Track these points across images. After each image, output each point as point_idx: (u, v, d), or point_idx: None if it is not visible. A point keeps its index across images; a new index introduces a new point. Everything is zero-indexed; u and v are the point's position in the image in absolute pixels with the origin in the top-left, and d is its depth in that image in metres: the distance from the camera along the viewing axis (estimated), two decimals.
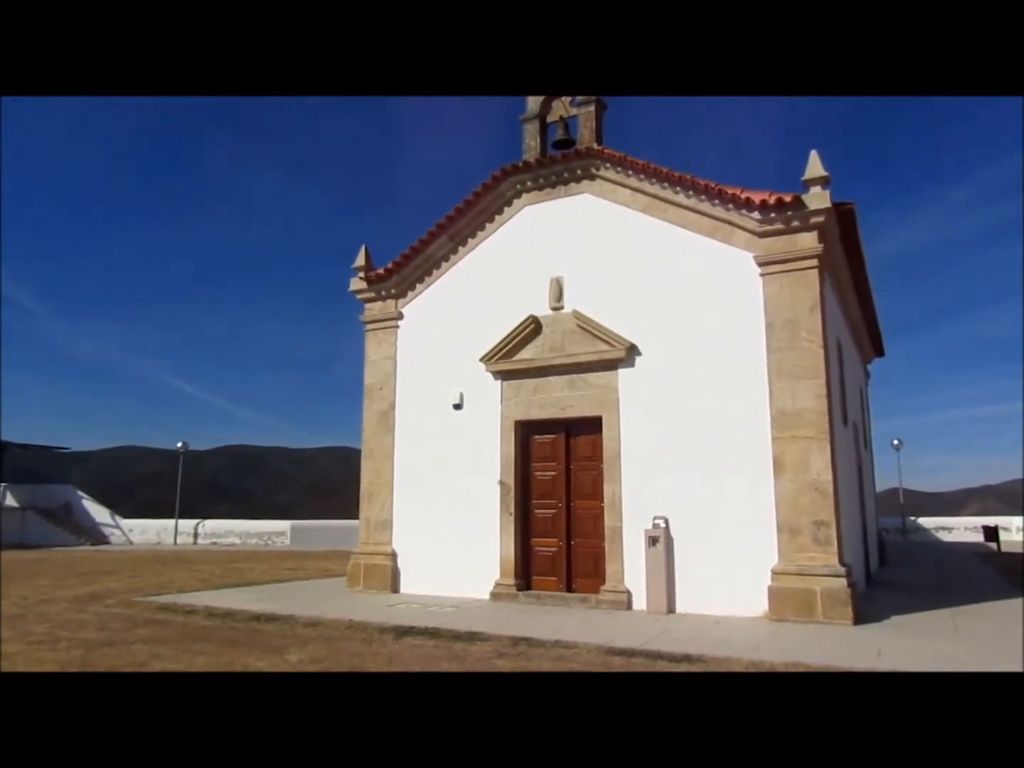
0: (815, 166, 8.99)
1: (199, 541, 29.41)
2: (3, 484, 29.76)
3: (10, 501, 29.71)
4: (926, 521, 29.96)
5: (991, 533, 21.52)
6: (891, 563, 16.75)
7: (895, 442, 31.17)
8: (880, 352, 18.64)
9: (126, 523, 30.72)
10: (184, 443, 32.04)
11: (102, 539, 29.37)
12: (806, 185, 9.01)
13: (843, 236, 10.05)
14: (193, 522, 30.13)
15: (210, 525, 30.21)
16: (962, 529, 28.31)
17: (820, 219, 8.93)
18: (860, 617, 8.22)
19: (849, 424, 11.91)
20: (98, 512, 30.86)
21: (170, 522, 29.86)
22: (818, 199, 8.90)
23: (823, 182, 8.93)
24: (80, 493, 31.61)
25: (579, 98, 11.13)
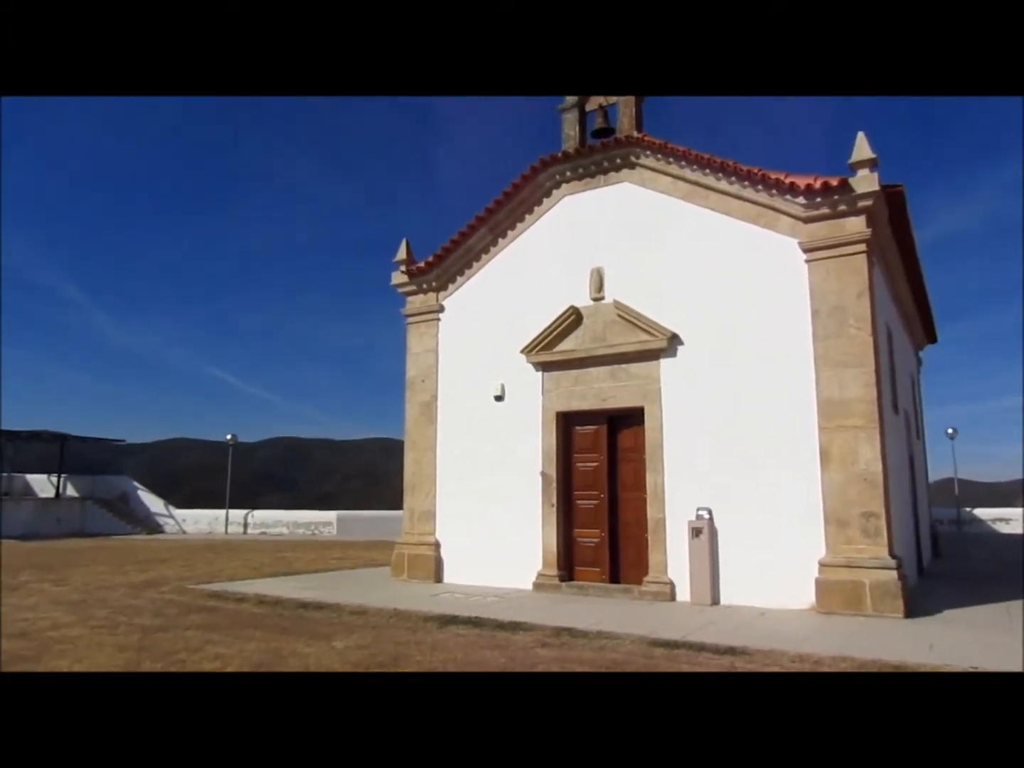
0: (862, 148, 8.74)
1: (249, 531, 30.18)
2: (64, 475, 30.96)
3: (71, 491, 30.91)
4: (982, 512, 29.00)
5: None
6: (945, 555, 16.29)
7: (949, 431, 30.26)
8: (932, 338, 18.08)
9: (179, 513, 31.69)
10: (233, 435, 32.87)
11: (156, 528, 30.37)
12: (853, 168, 8.77)
13: (892, 219, 9.76)
14: (243, 512, 30.92)
15: (259, 515, 30.97)
16: (1021, 520, 27.33)
17: (868, 203, 8.68)
18: (911, 610, 8.04)
19: (900, 413, 11.61)
20: (152, 502, 31.91)
21: (221, 512, 30.69)
22: (866, 182, 8.65)
23: (871, 164, 8.68)
24: (135, 484, 32.73)
25: None
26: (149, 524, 30.27)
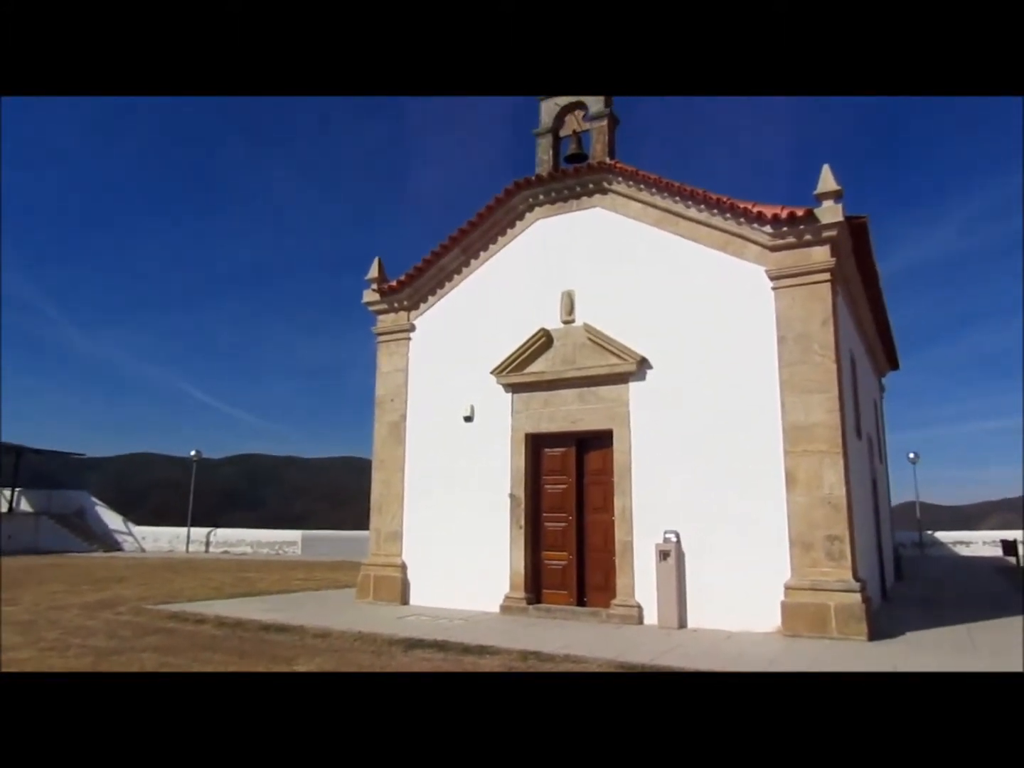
0: (827, 180, 8.96)
1: (211, 549, 29.54)
2: (18, 489, 30.04)
3: (25, 506, 29.97)
4: (944, 535, 29.58)
5: (1010, 547, 21.31)
6: (907, 578, 16.55)
7: (911, 455, 30.88)
8: (895, 365, 18.50)
9: (139, 530, 30.90)
10: (197, 451, 32.30)
11: (115, 546, 29.55)
12: (818, 199, 8.99)
13: (856, 249, 10.00)
14: (205, 530, 30.28)
15: (222, 534, 30.36)
16: (980, 543, 27.94)
17: (832, 233, 8.89)
18: (875, 633, 8.12)
19: (863, 438, 11.81)
20: (111, 519, 31.07)
21: (182, 530, 30.02)
22: (830, 213, 8.87)
23: (835, 196, 8.90)
24: (94, 499, 31.85)
25: (592, 112, 11.18)
26: (107, 541, 29.43)
